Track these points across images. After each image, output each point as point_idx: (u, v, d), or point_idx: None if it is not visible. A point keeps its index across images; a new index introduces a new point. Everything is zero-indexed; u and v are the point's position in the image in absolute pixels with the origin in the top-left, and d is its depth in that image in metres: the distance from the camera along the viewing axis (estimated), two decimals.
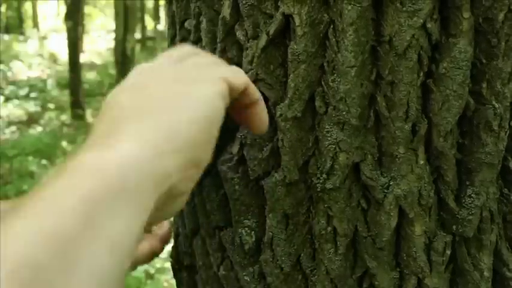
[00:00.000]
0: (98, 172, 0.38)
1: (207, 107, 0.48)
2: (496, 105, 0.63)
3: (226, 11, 0.67)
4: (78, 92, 9.13)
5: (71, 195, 0.35)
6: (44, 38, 17.21)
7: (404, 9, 0.59)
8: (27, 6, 20.44)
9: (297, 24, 0.62)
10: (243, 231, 0.70)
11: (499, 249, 0.69)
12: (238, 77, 0.54)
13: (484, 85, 0.63)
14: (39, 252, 0.32)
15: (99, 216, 0.35)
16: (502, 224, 0.70)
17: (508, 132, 0.66)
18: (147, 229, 0.74)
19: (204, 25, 0.71)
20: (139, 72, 0.53)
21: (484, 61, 0.63)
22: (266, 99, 0.66)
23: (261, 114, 0.58)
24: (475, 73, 0.63)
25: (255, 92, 0.57)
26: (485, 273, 0.67)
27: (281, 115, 0.64)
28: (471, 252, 0.67)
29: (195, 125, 0.46)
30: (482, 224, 0.67)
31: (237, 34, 0.67)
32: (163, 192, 0.43)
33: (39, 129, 8.49)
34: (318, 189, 0.65)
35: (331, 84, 0.62)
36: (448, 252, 0.67)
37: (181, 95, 0.48)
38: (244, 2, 0.65)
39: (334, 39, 0.61)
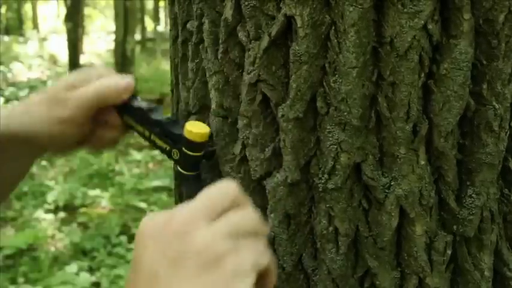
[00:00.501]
0: None
1: None
2: (497, 106, 0.64)
3: (228, 12, 0.68)
4: None
5: None
6: (44, 39, 17.22)
7: (405, 10, 0.59)
8: (27, 8, 20.46)
9: (298, 25, 0.62)
10: None
11: (499, 249, 0.69)
12: (265, 258, 0.52)
13: (485, 86, 0.64)
14: None
15: None
16: (503, 224, 0.70)
17: (508, 132, 0.66)
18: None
19: (206, 26, 0.71)
20: (149, 248, 0.50)
21: (484, 62, 0.63)
22: (268, 100, 0.66)
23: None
24: (476, 74, 0.64)
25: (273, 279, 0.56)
26: (486, 273, 0.68)
27: (283, 116, 0.65)
28: (472, 252, 0.68)
29: None
30: (483, 224, 0.67)
31: (239, 35, 0.67)
32: None
33: None
34: (320, 189, 0.66)
35: (332, 85, 0.63)
36: (449, 252, 0.67)
37: None
38: (246, 3, 0.65)
39: (335, 41, 0.62)
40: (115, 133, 0.81)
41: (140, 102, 0.78)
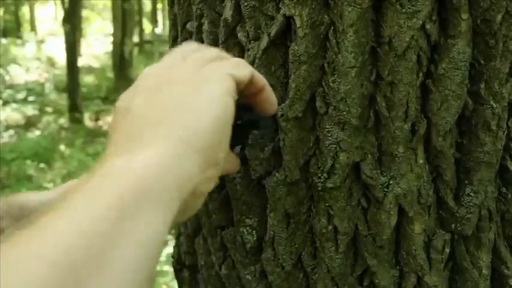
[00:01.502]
0: (126, 175, 0.40)
1: (219, 107, 0.49)
2: (494, 105, 0.64)
3: (228, 13, 0.68)
4: (76, 96, 9.13)
5: (104, 198, 0.37)
6: (41, 41, 17.20)
7: (403, 10, 0.60)
8: (25, 10, 20.44)
9: (298, 25, 0.63)
10: (245, 230, 0.71)
11: (497, 247, 0.70)
12: (243, 69, 0.55)
13: (482, 85, 0.64)
14: (78, 252, 0.33)
15: (129, 216, 0.37)
16: (500, 222, 0.71)
17: (506, 131, 0.67)
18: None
19: (205, 27, 0.71)
20: (148, 75, 0.54)
21: (482, 62, 0.64)
22: None
23: (268, 98, 0.60)
24: (474, 74, 0.64)
25: (260, 80, 0.58)
26: (484, 271, 0.68)
27: (282, 115, 0.65)
28: (470, 250, 0.68)
29: (210, 126, 0.48)
30: (481, 223, 0.67)
31: (238, 35, 0.68)
32: (186, 193, 0.44)
33: (37, 132, 8.49)
34: (319, 189, 0.66)
35: (331, 84, 0.63)
36: (447, 250, 0.67)
37: (192, 97, 0.49)
38: (245, 3, 0.66)
39: (334, 41, 0.62)
40: None
41: None
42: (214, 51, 0.58)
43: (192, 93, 0.49)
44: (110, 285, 0.34)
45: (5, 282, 0.30)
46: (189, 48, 0.59)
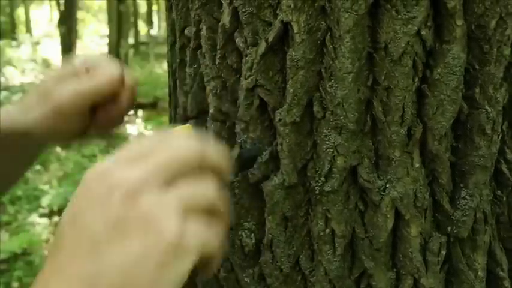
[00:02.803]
0: None
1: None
2: (489, 110, 0.65)
3: (226, 19, 0.69)
4: None
5: None
6: (37, 43, 17.17)
7: (399, 16, 0.61)
8: (20, 12, 20.40)
9: (295, 31, 0.63)
10: (243, 233, 0.72)
11: (492, 250, 0.71)
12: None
13: (477, 90, 0.65)
14: None
15: None
16: (496, 225, 0.71)
17: (500, 135, 0.68)
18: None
19: (203, 32, 0.72)
20: (84, 193, 0.46)
21: (476, 67, 0.65)
22: (265, 105, 0.67)
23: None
24: (468, 78, 0.65)
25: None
26: (480, 273, 0.69)
27: (280, 120, 0.66)
28: (466, 252, 0.69)
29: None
30: (476, 225, 0.68)
31: (236, 41, 0.69)
32: None
33: None
34: (317, 192, 0.67)
35: (328, 89, 0.64)
36: (443, 252, 0.68)
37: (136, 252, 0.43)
38: (243, 9, 0.66)
39: (331, 46, 0.63)
40: (119, 111, 0.75)
41: None
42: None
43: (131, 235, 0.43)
44: None
45: None
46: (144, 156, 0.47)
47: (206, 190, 0.48)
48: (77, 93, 0.72)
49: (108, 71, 0.74)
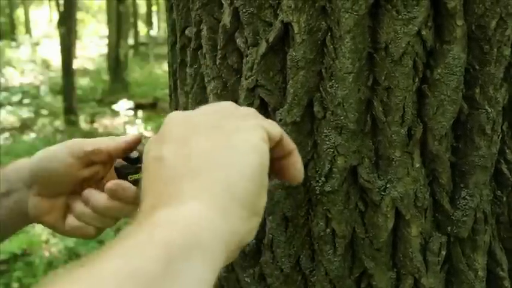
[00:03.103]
0: (175, 226, 0.40)
1: (255, 156, 0.47)
2: (489, 110, 0.65)
3: (226, 19, 0.69)
4: (71, 98, 9.10)
5: (153, 245, 0.37)
6: (36, 44, 17.16)
7: (399, 17, 0.61)
8: (20, 13, 20.40)
9: (295, 31, 0.63)
10: None
11: (492, 250, 0.71)
12: (275, 126, 0.53)
13: (477, 90, 0.65)
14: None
15: (177, 266, 0.37)
16: (495, 224, 0.72)
17: (500, 135, 0.68)
18: None
19: (204, 32, 0.72)
20: (176, 122, 0.51)
21: (477, 67, 0.65)
22: (266, 105, 0.68)
23: (296, 164, 0.56)
24: (469, 79, 0.65)
25: (290, 143, 0.55)
26: (480, 273, 0.69)
27: (281, 120, 0.66)
28: (466, 252, 0.69)
29: (249, 176, 0.46)
30: (476, 225, 0.68)
31: (237, 41, 0.69)
32: (233, 246, 0.44)
33: (32, 135, 8.46)
34: (317, 192, 0.67)
35: (329, 90, 0.64)
36: (443, 252, 0.68)
37: (227, 147, 0.47)
38: (244, 10, 0.66)
39: (332, 46, 0.63)
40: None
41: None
42: (246, 109, 0.55)
43: (226, 142, 0.48)
44: None
45: None
46: (222, 105, 0.55)
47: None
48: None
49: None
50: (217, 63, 0.71)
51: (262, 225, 0.71)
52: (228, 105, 0.54)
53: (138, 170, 0.64)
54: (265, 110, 0.68)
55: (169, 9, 0.83)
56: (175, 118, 0.51)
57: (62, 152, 0.66)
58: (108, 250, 0.37)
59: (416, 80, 0.63)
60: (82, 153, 0.65)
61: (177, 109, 0.82)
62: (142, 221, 0.41)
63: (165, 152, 0.47)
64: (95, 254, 0.37)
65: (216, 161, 0.46)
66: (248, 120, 0.51)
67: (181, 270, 0.37)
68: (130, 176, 0.64)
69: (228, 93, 0.71)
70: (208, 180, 0.44)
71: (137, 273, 0.34)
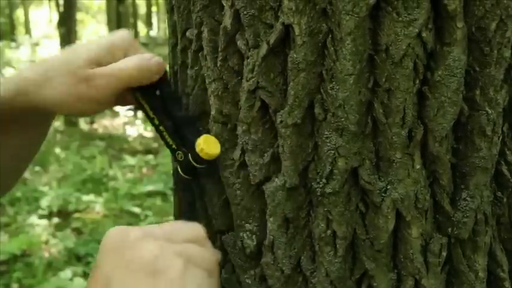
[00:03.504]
0: None
1: None
2: (489, 111, 0.66)
3: (227, 21, 0.69)
4: None
5: None
6: (36, 44, 17.17)
7: (400, 19, 0.61)
8: (19, 13, 20.40)
9: (296, 33, 0.64)
10: (245, 235, 0.72)
11: (493, 251, 0.71)
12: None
13: (478, 92, 0.65)
14: None
15: None
16: (496, 226, 0.72)
17: (500, 137, 0.68)
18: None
19: (205, 34, 0.72)
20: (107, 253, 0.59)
21: (477, 69, 0.65)
22: (267, 106, 0.68)
23: None
24: (469, 80, 0.65)
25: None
26: (480, 274, 0.69)
27: (281, 122, 0.66)
28: (466, 253, 0.69)
29: None
30: (477, 226, 0.69)
31: (238, 43, 0.69)
32: None
33: None
34: (318, 194, 0.67)
35: (330, 91, 0.64)
36: (444, 253, 0.68)
37: None
38: (245, 12, 0.67)
39: (332, 48, 0.63)
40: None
41: (164, 87, 0.77)
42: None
43: None
44: None
45: None
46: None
47: (206, 251, 0.63)
48: (113, 80, 0.73)
49: (145, 59, 0.74)
50: (218, 65, 0.71)
51: (263, 227, 0.71)
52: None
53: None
54: (266, 111, 0.68)
55: (170, 11, 0.83)
56: (108, 249, 0.59)
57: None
58: None
59: (417, 81, 0.64)
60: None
61: None
62: None
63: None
64: None
65: None
66: (189, 276, 0.58)
67: None
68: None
69: (229, 94, 0.71)
70: None
71: None
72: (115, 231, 0.60)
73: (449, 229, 0.68)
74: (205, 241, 0.65)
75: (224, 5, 0.70)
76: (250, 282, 0.72)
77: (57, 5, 12.33)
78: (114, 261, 0.57)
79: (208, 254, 0.63)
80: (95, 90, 0.73)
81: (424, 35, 0.62)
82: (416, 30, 0.61)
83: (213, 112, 0.73)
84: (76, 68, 0.73)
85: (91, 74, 0.73)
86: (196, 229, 0.65)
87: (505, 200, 0.71)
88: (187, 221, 0.69)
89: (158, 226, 0.63)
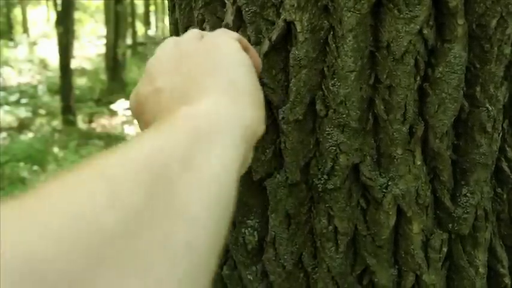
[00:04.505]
0: (197, 116, 0.43)
1: (242, 57, 0.53)
2: (490, 108, 0.66)
3: (229, 18, 0.69)
4: (69, 98, 9.10)
5: (178, 131, 0.40)
6: (33, 43, 17.13)
7: (401, 16, 0.61)
8: (17, 12, 20.37)
9: (298, 30, 0.64)
10: (246, 231, 0.72)
11: (493, 247, 0.72)
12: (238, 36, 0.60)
13: (478, 88, 0.66)
14: (161, 159, 0.35)
15: (202, 146, 0.39)
16: (496, 222, 0.72)
17: (501, 133, 0.68)
18: None
19: (207, 31, 0.73)
20: (156, 60, 0.56)
21: (477, 65, 0.65)
22: (269, 103, 0.68)
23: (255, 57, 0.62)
24: (469, 77, 0.66)
25: (246, 43, 0.61)
26: (480, 270, 0.70)
27: (283, 118, 0.66)
28: (466, 249, 0.70)
29: (245, 72, 0.52)
30: (477, 222, 0.69)
31: None
32: (249, 135, 0.47)
33: (30, 135, 8.46)
34: (319, 190, 0.68)
35: (331, 88, 0.64)
36: (445, 249, 0.69)
37: (217, 57, 0.52)
38: (247, 9, 0.67)
39: (334, 45, 0.64)
40: None
41: None
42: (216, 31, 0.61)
43: (214, 53, 0.53)
44: (199, 184, 0.36)
45: (111, 178, 0.31)
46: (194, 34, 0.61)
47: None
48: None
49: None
50: None
51: (265, 223, 0.71)
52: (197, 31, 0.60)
53: None
54: (268, 107, 0.69)
55: (172, 8, 0.83)
56: (171, 44, 0.57)
57: None
58: (139, 135, 0.40)
59: (418, 78, 0.64)
60: None
61: None
62: (165, 118, 0.44)
63: (160, 84, 0.52)
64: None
65: (213, 68, 0.51)
66: (222, 36, 0.56)
67: (207, 150, 0.39)
68: None
69: None
70: (212, 82, 0.49)
71: (164, 154, 0.36)
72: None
73: (450, 225, 0.69)
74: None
75: (226, 2, 0.70)
76: (252, 278, 0.73)
77: (55, 4, 12.31)
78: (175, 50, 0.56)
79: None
80: None
81: (425, 31, 0.63)
82: (418, 27, 0.62)
83: None
84: None
85: None
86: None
87: (505, 196, 0.71)
88: None
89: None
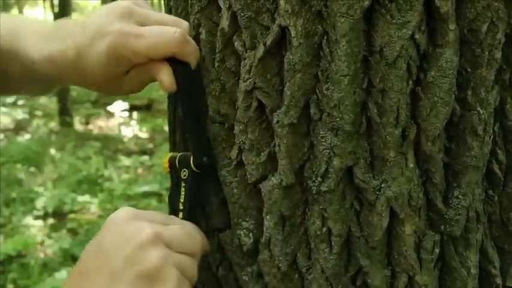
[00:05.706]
0: None
1: None
2: (481, 111, 0.67)
3: (224, 23, 0.70)
4: (66, 99, 9.09)
5: None
6: None
7: (394, 21, 0.63)
8: (14, 13, 20.33)
9: (292, 35, 0.65)
10: (242, 232, 0.73)
11: (484, 248, 0.73)
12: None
13: (469, 92, 0.67)
14: None
15: None
16: (488, 223, 0.73)
17: (492, 136, 0.69)
18: None
19: (203, 36, 0.74)
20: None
21: (469, 70, 0.67)
22: (263, 107, 0.69)
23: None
24: (461, 81, 0.67)
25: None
26: (472, 271, 0.71)
27: (278, 121, 0.67)
28: (458, 250, 0.71)
29: None
30: (469, 224, 0.70)
31: (235, 45, 0.70)
32: None
33: (27, 136, 8.45)
34: (314, 192, 0.68)
35: (325, 92, 0.65)
36: (437, 250, 0.70)
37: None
38: (242, 14, 0.68)
39: (328, 50, 0.65)
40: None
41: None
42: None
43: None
44: None
45: None
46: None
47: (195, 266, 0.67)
48: (137, 50, 0.69)
49: (170, 33, 0.70)
50: (216, 66, 0.72)
51: (260, 225, 0.72)
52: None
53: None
54: (262, 111, 0.69)
55: (168, 12, 0.84)
56: (113, 239, 0.63)
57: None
58: None
59: (410, 82, 0.65)
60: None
61: (175, 110, 0.84)
62: None
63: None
64: None
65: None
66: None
67: None
68: None
69: (226, 95, 0.72)
70: None
71: None
72: (124, 218, 0.64)
73: (442, 226, 0.70)
74: (199, 254, 0.68)
75: (222, 7, 0.71)
76: (247, 279, 0.74)
77: (52, 5, 12.30)
78: (118, 255, 0.61)
79: (195, 268, 0.67)
80: (129, 84, 0.78)
81: (417, 36, 0.64)
82: (410, 32, 0.63)
83: (210, 112, 0.74)
84: (119, 44, 0.70)
85: (129, 51, 0.70)
86: (195, 240, 0.68)
87: (496, 198, 0.72)
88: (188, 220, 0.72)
89: (166, 221, 0.67)
